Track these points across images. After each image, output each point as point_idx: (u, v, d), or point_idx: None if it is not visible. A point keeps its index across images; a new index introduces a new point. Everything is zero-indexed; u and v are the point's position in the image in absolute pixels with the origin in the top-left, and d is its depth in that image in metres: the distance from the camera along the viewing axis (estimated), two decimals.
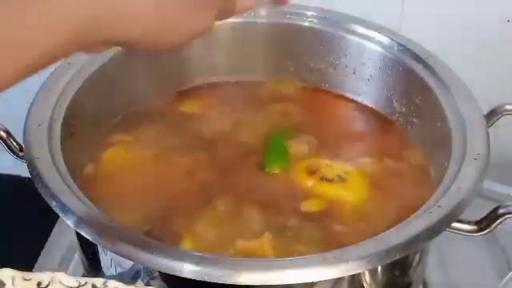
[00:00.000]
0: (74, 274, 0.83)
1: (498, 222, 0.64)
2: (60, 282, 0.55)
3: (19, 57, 0.47)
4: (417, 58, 0.81)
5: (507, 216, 0.64)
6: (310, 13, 0.87)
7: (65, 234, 0.89)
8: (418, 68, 0.81)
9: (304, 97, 0.89)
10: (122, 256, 0.61)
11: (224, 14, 0.60)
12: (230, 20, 0.87)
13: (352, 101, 0.88)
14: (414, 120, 0.82)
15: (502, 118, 0.76)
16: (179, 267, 0.57)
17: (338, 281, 0.62)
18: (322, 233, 0.70)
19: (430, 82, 0.79)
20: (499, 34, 0.97)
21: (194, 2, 0.54)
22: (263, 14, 0.88)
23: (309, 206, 0.73)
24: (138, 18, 0.51)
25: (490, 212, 0.64)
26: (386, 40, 0.84)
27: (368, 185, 0.76)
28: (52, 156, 0.67)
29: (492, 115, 0.76)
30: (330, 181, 0.76)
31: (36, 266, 0.86)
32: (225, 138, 0.81)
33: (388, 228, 0.63)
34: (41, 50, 0.47)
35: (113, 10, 0.49)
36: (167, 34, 0.54)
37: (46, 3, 0.46)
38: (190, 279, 0.57)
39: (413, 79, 0.81)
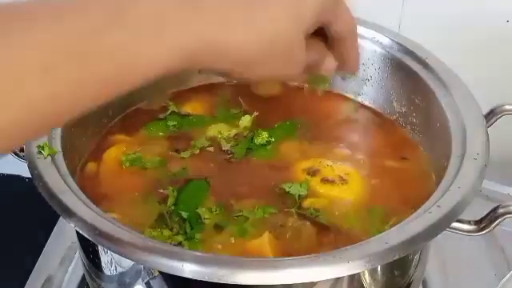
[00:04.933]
0: (73, 274, 0.84)
1: (497, 221, 0.64)
2: None
3: (121, 82, 0.50)
4: (417, 58, 0.81)
5: (507, 216, 0.64)
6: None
7: (65, 234, 0.89)
8: (418, 68, 0.81)
9: (304, 97, 0.89)
10: (122, 256, 0.61)
11: (312, 67, 0.62)
12: None
13: (352, 101, 0.88)
14: (414, 120, 0.82)
15: (502, 117, 0.76)
16: (179, 267, 0.57)
17: (338, 281, 0.62)
18: (322, 232, 0.70)
19: (430, 82, 0.79)
20: (499, 34, 0.97)
21: (295, 50, 0.58)
22: None
23: (309, 207, 0.73)
24: (236, 57, 0.54)
25: (490, 212, 0.64)
26: (385, 40, 0.84)
27: (368, 185, 0.76)
28: (52, 156, 0.67)
29: (492, 115, 0.76)
30: (331, 182, 0.76)
31: (36, 265, 0.86)
32: (225, 138, 0.81)
33: (388, 228, 0.63)
34: (151, 70, 0.51)
35: (214, 45, 0.52)
36: (257, 71, 0.57)
37: (158, 36, 0.49)
38: (191, 279, 0.57)
39: (413, 79, 0.81)
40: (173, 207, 0.72)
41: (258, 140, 0.80)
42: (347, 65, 0.65)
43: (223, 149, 0.80)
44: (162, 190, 0.74)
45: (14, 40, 0.45)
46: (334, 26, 0.61)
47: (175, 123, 0.83)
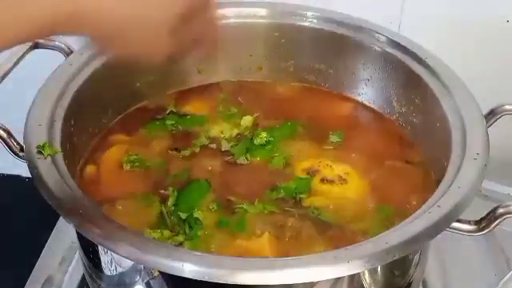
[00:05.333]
0: (73, 274, 0.84)
1: (497, 221, 0.64)
2: None
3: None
4: (417, 58, 0.81)
5: (507, 216, 0.64)
6: (310, 13, 0.88)
7: (65, 234, 0.89)
8: (418, 68, 0.81)
9: (304, 97, 0.89)
10: (122, 256, 0.61)
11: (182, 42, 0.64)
12: (230, 20, 0.88)
13: (352, 101, 0.88)
14: (414, 120, 0.82)
15: (502, 117, 0.76)
16: (179, 267, 0.57)
17: (338, 281, 0.62)
18: (322, 232, 0.70)
19: (430, 82, 0.79)
20: (499, 34, 0.97)
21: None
22: (263, 14, 0.89)
23: (309, 206, 0.73)
24: (103, 15, 0.56)
25: (490, 212, 0.64)
26: (385, 40, 0.84)
27: (368, 185, 0.76)
28: (52, 156, 0.67)
29: (492, 115, 0.76)
30: (330, 182, 0.76)
31: (36, 265, 0.86)
32: (227, 138, 0.81)
33: (388, 228, 0.63)
34: (17, 33, 0.53)
35: (76, 12, 0.55)
36: (123, 42, 0.59)
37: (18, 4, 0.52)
38: (191, 279, 0.57)
39: (413, 79, 0.81)
40: (173, 207, 0.72)
41: (258, 140, 0.80)
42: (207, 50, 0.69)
43: (223, 149, 0.80)
44: (162, 191, 0.74)
45: None
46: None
47: (173, 122, 0.83)
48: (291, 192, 0.74)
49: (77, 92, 0.76)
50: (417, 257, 0.70)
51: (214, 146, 0.81)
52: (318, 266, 0.58)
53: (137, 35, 0.59)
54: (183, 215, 0.70)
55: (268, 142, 0.81)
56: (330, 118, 0.87)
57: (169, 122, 0.83)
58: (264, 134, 0.81)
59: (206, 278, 0.57)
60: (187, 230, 0.69)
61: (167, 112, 0.85)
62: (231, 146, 0.80)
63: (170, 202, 0.72)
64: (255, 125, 0.83)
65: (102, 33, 0.58)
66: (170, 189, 0.74)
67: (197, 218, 0.70)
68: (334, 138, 0.82)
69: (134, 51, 0.61)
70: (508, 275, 0.68)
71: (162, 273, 0.63)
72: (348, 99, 0.89)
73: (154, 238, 0.67)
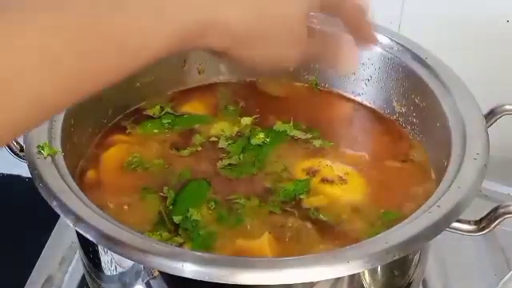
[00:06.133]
0: (73, 274, 0.84)
1: (497, 221, 0.64)
2: None
3: (133, 56, 0.50)
4: (417, 58, 0.81)
5: (507, 216, 0.64)
6: (309, 13, 0.87)
7: (65, 234, 0.89)
8: (418, 68, 0.81)
9: (304, 97, 0.89)
10: (122, 256, 0.61)
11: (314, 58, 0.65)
12: None
13: (352, 101, 0.88)
14: (414, 120, 0.82)
15: (502, 117, 0.76)
16: (180, 267, 0.57)
17: (338, 281, 0.62)
18: (322, 233, 0.70)
19: (430, 82, 0.79)
20: (499, 34, 0.97)
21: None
22: None
23: (309, 206, 0.73)
24: (231, 31, 0.54)
25: (490, 212, 0.64)
26: (385, 40, 0.84)
27: (368, 185, 0.76)
28: (52, 156, 0.67)
29: (492, 115, 0.76)
30: (330, 182, 0.76)
31: (36, 265, 0.86)
32: (225, 137, 0.81)
33: (388, 228, 0.63)
34: (153, 51, 0.50)
35: (214, 22, 0.52)
36: (256, 49, 0.57)
37: (158, 17, 0.50)
38: (191, 279, 0.57)
39: (412, 79, 0.81)
40: (171, 207, 0.72)
41: (255, 140, 0.80)
42: (363, 38, 0.65)
43: (219, 146, 0.80)
44: (162, 192, 0.74)
45: (13, 30, 0.44)
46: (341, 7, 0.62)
47: (172, 122, 0.83)
48: (290, 194, 0.74)
49: None
50: (417, 257, 0.70)
51: (212, 145, 0.80)
52: (317, 266, 0.58)
53: (276, 36, 0.57)
54: (176, 219, 0.70)
55: (265, 143, 0.80)
56: (330, 118, 0.87)
57: (168, 122, 0.83)
58: (261, 135, 0.81)
59: (206, 278, 0.57)
60: (182, 233, 0.69)
61: (166, 112, 0.85)
62: (228, 145, 0.80)
63: (168, 201, 0.72)
64: (254, 125, 0.83)
65: (243, 41, 0.55)
66: (165, 188, 0.74)
67: (194, 220, 0.70)
68: (333, 139, 0.81)
69: (274, 55, 0.58)
70: (508, 275, 0.68)
71: (161, 273, 0.63)
72: (348, 99, 0.88)
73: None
